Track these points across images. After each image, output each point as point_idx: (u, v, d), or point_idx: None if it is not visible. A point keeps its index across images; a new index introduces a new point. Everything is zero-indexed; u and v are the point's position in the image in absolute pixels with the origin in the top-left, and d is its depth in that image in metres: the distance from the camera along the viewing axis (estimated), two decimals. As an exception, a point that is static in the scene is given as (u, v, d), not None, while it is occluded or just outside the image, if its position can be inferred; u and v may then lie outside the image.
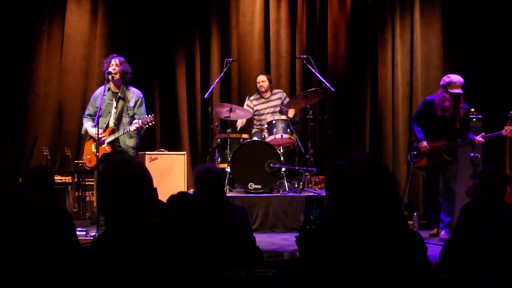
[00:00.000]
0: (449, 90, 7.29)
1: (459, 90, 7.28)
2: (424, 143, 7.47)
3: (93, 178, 8.64)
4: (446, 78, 7.39)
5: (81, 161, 7.78)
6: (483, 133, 7.35)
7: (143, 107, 7.48)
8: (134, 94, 7.45)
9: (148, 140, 8.30)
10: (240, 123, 9.42)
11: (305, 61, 9.23)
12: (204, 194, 4.14)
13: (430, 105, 7.50)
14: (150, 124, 7.20)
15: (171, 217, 3.13)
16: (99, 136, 7.05)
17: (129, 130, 7.22)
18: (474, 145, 7.41)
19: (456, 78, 7.32)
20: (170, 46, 10.13)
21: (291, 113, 9.38)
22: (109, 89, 7.41)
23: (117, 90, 7.43)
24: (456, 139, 7.40)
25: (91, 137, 7.42)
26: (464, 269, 4.17)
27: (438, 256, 4.85)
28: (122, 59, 7.43)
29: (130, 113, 7.39)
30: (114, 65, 7.35)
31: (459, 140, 7.40)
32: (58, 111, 9.57)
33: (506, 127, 7.23)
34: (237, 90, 10.28)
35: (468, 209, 4.73)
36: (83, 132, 7.55)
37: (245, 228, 4.35)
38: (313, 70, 9.07)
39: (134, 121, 7.24)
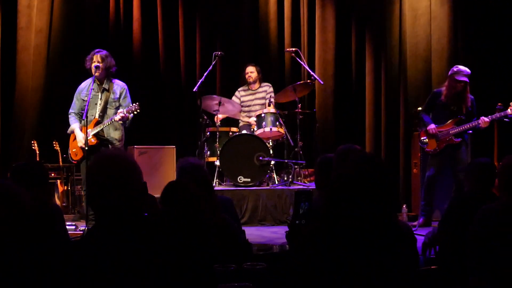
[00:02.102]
0: (456, 77, 7.51)
1: (465, 78, 7.51)
2: (432, 125, 7.68)
3: (81, 172, 8.59)
4: (454, 68, 7.63)
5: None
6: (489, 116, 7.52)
7: (128, 98, 7.40)
8: (118, 85, 7.39)
9: (136, 133, 8.27)
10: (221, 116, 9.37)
11: (293, 54, 9.23)
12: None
13: (438, 95, 7.74)
14: (135, 112, 7.11)
15: (162, 212, 3.13)
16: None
17: (114, 120, 7.15)
18: (480, 128, 7.57)
19: (463, 68, 7.58)
20: (155, 39, 10.12)
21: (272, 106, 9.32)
22: (94, 81, 7.35)
23: (100, 83, 7.37)
24: (463, 122, 7.59)
25: None
26: (453, 261, 4.21)
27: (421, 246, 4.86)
28: (104, 53, 7.33)
29: (115, 104, 7.33)
30: (96, 61, 7.27)
31: (466, 124, 7.58)
32: (47, 105, 9.53)
33: (511, 107, 7.36)
34: (225, 84, 10.28)
35: (457, 201, 4.76)
36: (69, 132, 7.46)
37: (233, 220, 4.35)
38: (301, 63, 9.07)
39: (119, 111, 7.17)
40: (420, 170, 8.14)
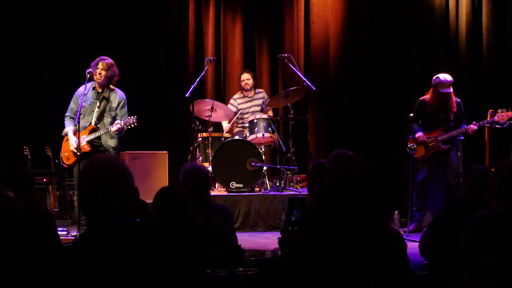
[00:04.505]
0: (440, 90, 7.58)
1: (449, 90, 7.58)
2: (420, 133, 7.76)
3: (73, 177, 8.55)
4: (436, 79, 7.66)
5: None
6: (474, 122, 7.56)
7: (125, 108, 7.43)
8: (117, 95, 7.40)
9: (127, 139, 8.27)
10: (226, 127, 9.34)
11: (286, 60, 9.24)
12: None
13: (425, 104, 7.81)
14: (132, 125, 7.16)
15: (154, 217, 3.12)
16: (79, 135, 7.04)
17: (110, 130, 7.17)
18: (467, 134, 7.66)
19: (444, 78, 7.60)
20: (150, 43, 10.13)
21: (270, 112, 9.34)
22: (93, 88, 7.36)
23: (101, 90, 7.38)
24: (452, 129, 7.66)
25: None
26: (446, 266, 4.22)
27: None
28: (109, 61, 7.33)
29: (112, 113, 7.35)
30: (100, 69, 7.27)
31: (454, 131, 7.64)
32: (39, 109, 9.51)
33: (498, 114, 7.41)
34: (218, 89, 10.28)
35: (452, 205, 4.78)
36: (63, 134, 7.47)
37: (227, 227, 4.35)
38: (294, 68, 9.08)
39: (116, 122, 7.20)
40: (410, 176, 8.14)
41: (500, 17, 9.27)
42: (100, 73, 7.26)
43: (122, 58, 9.82)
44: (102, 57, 7.38)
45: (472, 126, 7.50)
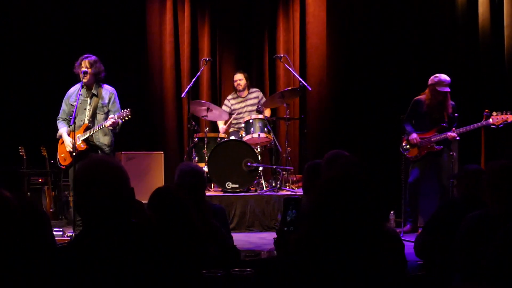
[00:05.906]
0: (438, 89, 7.58)
1: (447, 89, 7.60)
2: (414, 134, 7.75)
3: (69, 178, 8.54)
4: (435, 78, 7.66)
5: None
6: (454, 128, 7.60)
7: (117, 103, 7.40)
8: (107, 90, 7.38)
9: (123, 139, 8.28)
10: (222, 129, 9.34)
11: (282, 60, 9.23)
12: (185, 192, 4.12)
13: (419, 104, 7.81)
14: (126, 118, 7.10)
15: (150, 217, 3.12)
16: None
17: (104, 126, 7.14)
18: (448, 140, 7.63)
19: (443, 77, 7.63)
20: (146, 44, 10.12)
21: (267, 112, 9.35)
22: (83, 86, 7.33)
23: (90, 88, 7.36)
24: (445, 130, 7.66)
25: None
26: (440, 267, 4.22)
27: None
28: (93, 59, 7.30)
29: (105, 109, 7.32)
30: (85, 67, 7.25)
31: (442, 134, 7.64)
32: (35, 109, 9.49)
33: (493, 116, 7.44)
34: (214, 89, 10.28)
35: (446, 206, 4.79)
36: (58, 137, 7.45)
37: (223, 227, 4.35)
38: (290, 69, 9.08)
39: (110, 117, 7.17)
40: (403, 176, 8.14)
41: (497, 17, 9.27)
42: (86, 71, 7.24)
43: (119, 59, 9.85)
44: (85, 55, 7.35)
45: (450, 133, 7.54)
